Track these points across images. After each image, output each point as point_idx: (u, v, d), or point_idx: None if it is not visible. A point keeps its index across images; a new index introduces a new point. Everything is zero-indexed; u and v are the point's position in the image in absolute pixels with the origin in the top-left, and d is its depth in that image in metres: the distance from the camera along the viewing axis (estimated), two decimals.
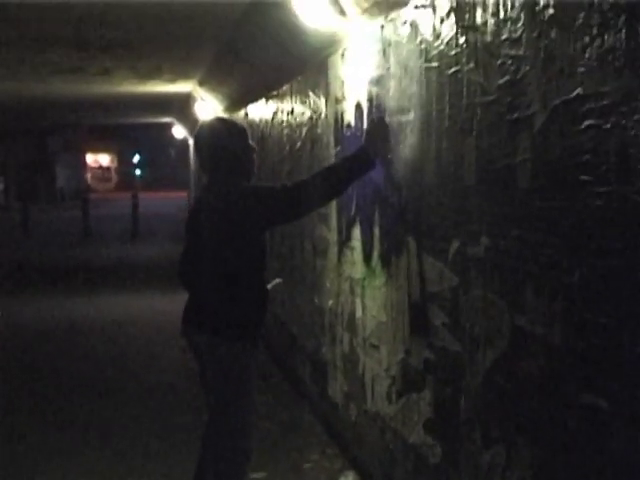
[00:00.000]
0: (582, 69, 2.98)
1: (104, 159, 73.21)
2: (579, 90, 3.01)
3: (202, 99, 15.79)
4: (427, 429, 4.71)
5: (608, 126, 2.83)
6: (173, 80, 15.06)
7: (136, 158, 70.59)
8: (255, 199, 4.90)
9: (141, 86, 15.97)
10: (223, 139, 5.07)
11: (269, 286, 5.18)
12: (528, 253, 3.43)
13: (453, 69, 4.21)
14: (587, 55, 2.94)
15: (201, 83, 14.82)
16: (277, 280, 5.42)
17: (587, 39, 2.94)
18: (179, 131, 28.27)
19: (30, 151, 47.75)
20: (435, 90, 4.48)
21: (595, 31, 2.88)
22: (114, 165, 74.04)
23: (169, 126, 31.29)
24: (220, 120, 5.55)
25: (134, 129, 54.55)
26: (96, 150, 69.87)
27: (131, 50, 11.25)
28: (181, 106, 19.92)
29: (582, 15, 2.96)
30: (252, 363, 4.93)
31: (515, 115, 3.52)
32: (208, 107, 15.60)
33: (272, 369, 9.54)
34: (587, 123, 2.96)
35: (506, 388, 3.67)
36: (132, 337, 11.55)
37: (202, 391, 5.12)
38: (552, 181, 3.22)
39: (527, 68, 3.41)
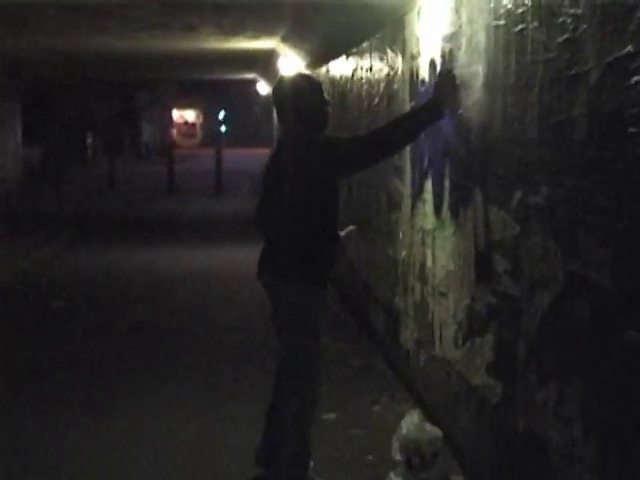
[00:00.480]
0: (632, 27, 3.18)
1: (190, 115, 73.91)
2: (629, 47, 3.20)
3: (285, 56, 16.03)
4: (489, 372, 4.96)
5: None
6: (257, 36, 15.32)
7: (221, 114, 71.23)
8: (329, 149, 5.16)
9: (226, 42, 16.25)
10: (300, 92, 5.34)
11: (342, 233, 5.44)
12: (582, 201, 3.64)
13: (519, 27, 4.41)
14: (637, 15, 3.13)
15: (284, 40, 15.06)
16: (351, 227, 5.68)
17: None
18: (263, 87, 28.57)
19: (116, 106, 48.46)
20: (502, 47, 4.68)
21: None
22: (199, 121, 74.66)
23: (254, 82, 31.59)
24: (297, 75, 5.81)
25: (219, 85, 54.84)
26: (182, 106, 70.58)
27: (215, 7, 11.52)
28: (265, 62, 20.18)
29: None
30: (320, 306, 5.23)
31: (573, 71, 3.72)
32: (291, 63, 15.84)
33: (347, 318, 9.84)
34: (636, 79, 3.16)
35: (560, 329, 3.90)
36: (214, 285, 11.98)
37: (275, 330, 5.41)
38: (604, 133, 3.43)
39: (585, 26, 3.60)
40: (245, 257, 13.12)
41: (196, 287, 11.96)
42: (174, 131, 69.76)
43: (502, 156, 4.71)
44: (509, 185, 4.57)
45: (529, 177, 4.29)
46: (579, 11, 3.65)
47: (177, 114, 72.12)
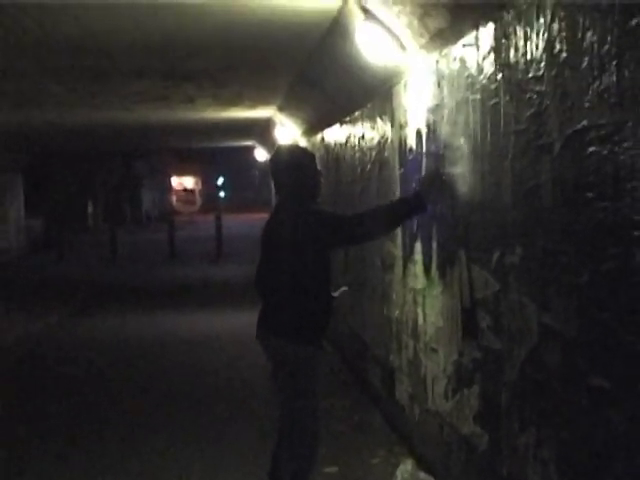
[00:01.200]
0: (587, 104, 3.57)
1: (189, 182, 74.46)
2: (585, 122, 3.59)
3: (282, 124, 16.50)
4: (476, 421, 5.29)
5: (605, 152, 3.41)
6: (253, 106, 15.80)
7: (220, 180, 71.77)
8: (320, 223, 5.56)
9: (223, 112, 16.73)
10: (295, 164, 5.75)
11: (335, 294, 5.81)
12: (550, 260, 4.01)
13: (493, 101, 4.81)
14: (590, 92, 3.53)
15: (280, 109, 15.54)
16: (343, 288, 6.05)
17: (590, 79, 3.52)
18: (261, 154, 29.05)
19: (116, 175, 49.04)
20: (479, 119, 5.08)
21: (595, 72, 3.47)
22: (198, 187, 75.22)
23: (251, 149, 32.08)
24: (293, 147, 6.24)
25: (218, 152, 55.47)
26: (181, 173, 71.14)
27: (214, 79, 11.99)
28: (262, 130, 20.67)
29: (586, 59, 3.54)
30: (317, 364, 5.58)
31: (539, 142, 4.11)
32: (287, 131, 16.30)
33: (347, 376, 10.16)
34: (591, 150, 3.54)
35: (536, 378, 4.25)
36: (215, 349, 12.28)
37: (275, 388, 5.74)
38: (566, 199, 3.81)
39: (548, 102, 4.00)
40: (246, 321, 13.41)
41: (198, 351, 12.28)
42: (174, 198, 70.34)
43: (482, 219, 5.08)
44: (489, 246, 4.94)
45: (506, 239, 4.66)
46: (543, 88, 4.05)
47: (176, 181, 72.67)
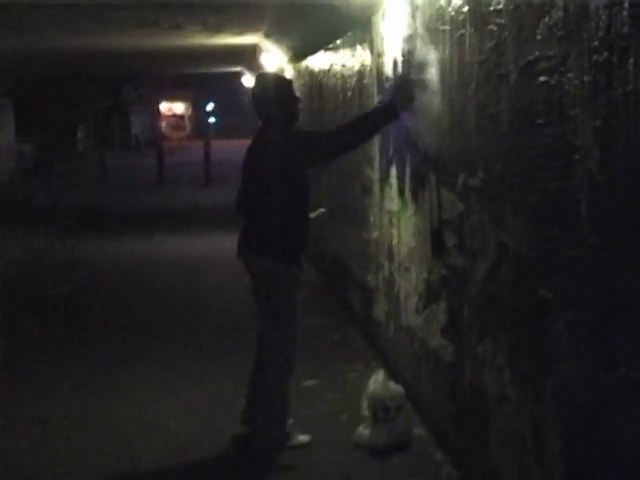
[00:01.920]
0: (539, 37, 3.85)
1: (178, 107, 74.27)
2: (537, 53, 3.88)
3: (268, 51, 16.68)
4: (443, 334, 5.64)
5: (553, 82, 3.70)
6: (241, 33, 15.96)
7: (210, 106, 71.59)
8: (300, 142, 5.87)
9: (211, 39, 16.88)
10: (274, 90, 6.04)
11: (313, 215, 6.15)
12: (506, 182, 4.33)
13: (460, 32, 5.08)
14: (541, 26, 3.81)
15: (267, 35, 15.70)
16: (321, 210, 6.39)
17: (542, 13, 3.80)
18: (249, 80, 29.17)
19: (106, 100, 49.05)
20: (448, 50, 5.35)
21: (546, 7, 3.75)
22: (188, 113, 75.06)
23: (240, 75, 32.16)
24: (271, 75, 6.55)
25: (208, 78, 55.30)
26: (171, 99, 70.93)
27: (201, 6, 12.18)
28: (249, 57, 20.81)
29: None
30: (295, 281, 5.91)
31: (499, 72, 4.40)
32: (274, 58, 16.49)
33: (330, 298, 10.53)
34: (541, 79, 3.84)
35: (492, 292, 4.59)
36: (202, 269, 12.66)
37: (255, 304, 6.10)
38: (520, 125, 4.12)
39: (506, 34, 4.28)
40: (231, 244, 13.72)
41: (185, 271, 12.66)
42: (163, 124, 70.23)
43: (450, 144, 5.38)
44: (455, 170, 5.25)
45: (470, 163, 4.97)
46: (502, 21, 4.33)
47: (166, 107, 72.48)
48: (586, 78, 3.38)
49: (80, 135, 44.67)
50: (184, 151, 46.80)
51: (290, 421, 6.06)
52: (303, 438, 6.02)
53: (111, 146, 46.56)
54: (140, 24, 14.18)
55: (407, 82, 6.23)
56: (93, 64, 25.93)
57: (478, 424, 4.93)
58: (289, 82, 6.35)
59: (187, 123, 75.04)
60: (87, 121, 45.94)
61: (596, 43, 3.27)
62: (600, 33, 3.24)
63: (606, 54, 3.19)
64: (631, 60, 3.02)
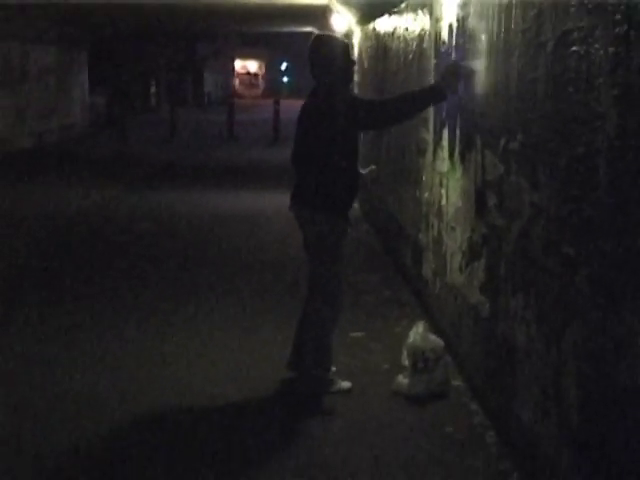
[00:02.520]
0: (572, 9, 4.07)
1: (252, 66, 74.63)
2: (570, 24, 4.10)
3: (338, 12, 16.89)
4: (482, 290, 5.90)
5: (582, 52, 3.93)
6: None
7: (283, 66, 71.86)
8: (351, 107, 6.14)
9: None
10: (330, 53, 6.30)
11: (363, 171, 6.44)
12: (541, 146, 4.56)
13: (507, 0, 5.29)
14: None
15: None
16: (371, 167, 6.69)
17: None
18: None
19: (180, 56, 49.53)
20: (496, 17, 5.57)
21: None
22: (262, 72, 75.40)
23: (311, 35, 32.37)
24: (329, 36, 6.76)
25: (282, 37, 55.54)
26: (245, 57, 71.31)
27: None
28: (320, 17, 21.04)
29: None
30: (342, 233, 6.21)
31: (538, 40, 4.62)
32: (343, 19, 16.70)
33: (384, 256, 10.81)
34: (573, 49, 4.06)
35: (524, 249, 4.84)
36: (263, 224, 13.04)
37: (305, 253, 6.41)
38: (554, 92, 4.34)
39: (545, 5, 4.50)
40: None
41: (247, 225, 13.12)
42: (236, 81, 70.64)
43: (494, 109, 5.61)
44: (498, 133, 5.48)
45: (510, 126, 5.19)
46: None
47: (240, 64, 72.85)
48: (610, 49, 3.60)
49: (153, 90, 45.20)
50: (256, 109, 47.20)
51: (333, 368, 6.38)
52: (345, 384, 6.32)
53: (184, 102, 47.08)
54: None
55: (457, 68, 6.48)
56: (169, 19, 26.34)
57: (507, 375, 5.19)
58: (346, 45, 6.59)
59: (260, 81, 75.39)
60: (161, 76, 46.46)
61: (618, 16, 3.49)
62: (621, 7, 3.45)
63: (626, 27, 3.41)
64: None
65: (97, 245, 11.66)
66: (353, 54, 6.62)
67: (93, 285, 9.36)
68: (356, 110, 6.16)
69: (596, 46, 3.76)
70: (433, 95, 6.45)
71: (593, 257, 3.82)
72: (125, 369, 6.79)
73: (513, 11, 5.15)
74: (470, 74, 6.20)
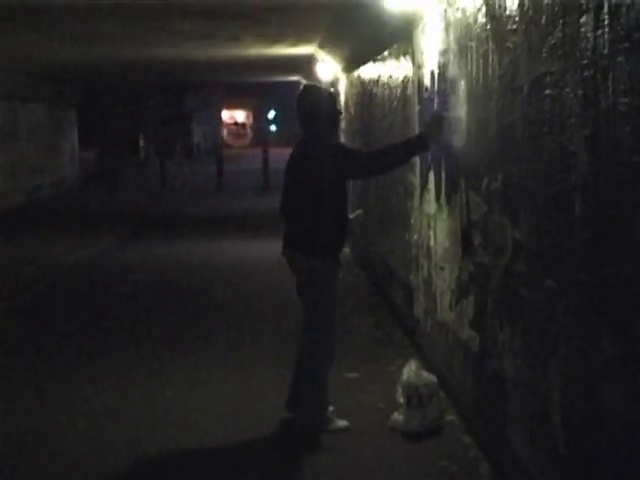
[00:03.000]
0: (544, 54, 4.31)
1: (240, 115, 75.01)
2: (543, 69, 4.34)
3: (322, 61, 17.20)
4: (471, 326, 6.10)
5: (555, 95, 4.16)
6: (295, 44, 16.55)
7: (271, 114, 72.24)
8: (342, 155, 6.40)
9: (267, 49, 17.50)
10: (317, 102, 6.54)
11: (351, 216, 6.66)
12: (520, 185, 4.79)
13: (484, 48, 5.55)
14: (546, 45, 4.27)
15: (321, 46, 16.25)
16: (358, 211, 6.94)
17: (546, 34, 4.26)
18: None
19: (167, 109, 49.89)
20: (475, 64, 5.82)
21: (550, 28, 4.21)
22: (249, 121, 75.74)
23: (298, 84, 32.75)
24: (316, 87, 7.03)
25: (269, 86, 55.95)
26: (232, 107, 71.68)
27: (256, 19, 12.75)
28: (306, 66, 21.36)
29: (544, 17, 4.29)
30: (334, 275, 6.43)
31: (514, 84, 4.86)
32: (328, 68, 17.01)
33: (375, 299, 11.02)
34: (546, 92, 4.29)
35: (509, 285, 5.05)
36: (258, 272, 13.22)
37: (298, 297, 6.62)
38: (530, 133, 4.58)
39: (520, 51, 4.74)
40: None
41: (240, 273, 13.31)
42: (224, 131, 70.99)
43: (476, 151, 5.85)
44: (480, 174, 5.71)
45: (492, 167, 5.43)
46: (516, 39, 4.80)
47: (227, 115, 73.23)
48: (579, 92, 3.83)
49: (142, 143, 45.53)
50: (245, 159, 47.49)
51: (330, 408, 6.56)
52: (342, 423, 6.50)
53: (172, 154, 47.37)
54: (199, 36, 14.80)
55: (440, 119, 6.78)
56: (156, 74, 26.68)
57: (498, 406, 5.38)
58: (332, 95, 6.86)
59: (249, 131, 75.73)
60: (149, 129, 46.79)
61: (585, 61, 3.72)
62: (588, 53, 3.69)
63: (592, 71, 3.65)
64: (610, 76, 3.48)
65: (92, 297, 11.82)
66: (339, 104, 6.83)
67: (89, 337, 9.52)
68: (344, 159, 6.40)
69: (567, 89, 4.00)
70: (417, 145, 6.76)
71: (571, 288, 4.03)
72: (127, 416, 6.95)
73: (490, 57, 5.40)
74: (452, 124, 6.46)
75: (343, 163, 6.38)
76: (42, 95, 27.36)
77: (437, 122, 6.76)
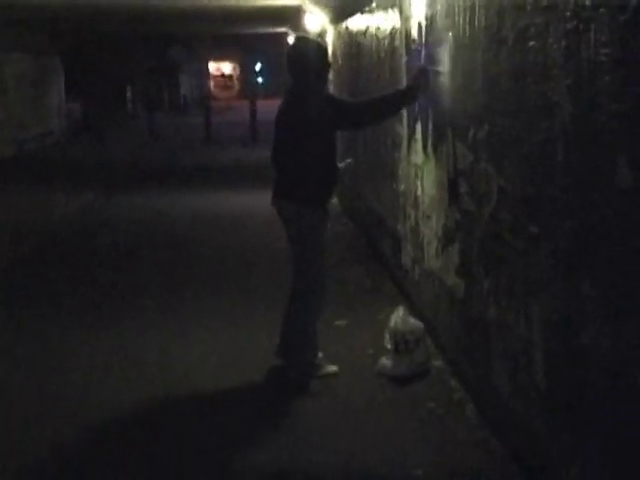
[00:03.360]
0: (529, 7, 4.42)
1: (226, 67, 74.66)
2: (527, 20, 4.45)
3: (311, 12, 17.22)
4: (457, 273, 6.24)
5: (538, 46, 4.28)
6: None
7: (258, 66, 71.92)
8: (329, 107, 6.48)
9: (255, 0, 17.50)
10: (308, 53, 6.63)
11: (341, 165, 6.77)
12: (505, 134, 4.91)
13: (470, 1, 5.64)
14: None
15: None
16: (348, 160, 7.04)
17: None
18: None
19: (154, 60, 49.69)
20: (462, 16, 5.91)
21: None
22: (236, 73, 75.40)
23: (285, 36, 32.67)
24: (308, 39, 7.14)
25: (255, 38, 55.61)
26: (218, 59, 71.29)
27: None
28: (294, 17, 21.36)
29: None
30: (321, 222, 6.56)
31: (499, 36, 4.97)
32: (316, 19, 17.03)
33: (365, 248, 11.17)
34: (531, 43, 4.41)
35: (494, 231, 5.19)
36: (244, 222, 13.37)
37: (288, 246, 6.76)
38: (516, 82, 4.70)
39: (505, 2, 4.85)
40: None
41: (227, 223, 13.53)
42: (211, 83, 70.68)
43: (463, 102, 5.96)
44: (467, 124, 5.83)
45: (478, 118, 5.54)
46: None
47: (214, 67, 72.87)
48: (562, 43, 3.95)
49: (129, 95, 45.37)
50: (232, 111, 47.40)
51: (320, 355, 6.72)
52: (331, 369, 6.67)
53: (160, 106, 47.24)
54: None
55: (425, 72, 6.92)
56: (141, 24, 26.62)
57: (482, 351, 5.55)
58: (324, 48, 6.94)
59: (235, 83, 75.39)
60: (136, 81, 46.62)
61: (568, 13, 3.84)
62: (571, 5, 3.80)
63: (575, 22, 3.76)
64: (592, 28, 3.59)
65: (84, 248, 11.96)
66: (329, 57, 6.92)
67: (84, 287, 9.67)
68: (334, 111, 6.49)
69: (550, 40, 4.11)
70: (406, 97, 6.92)
71: (554, 234, 4.17)
72: (122, 363, 7.11)
73: (477, 10, 5.50)
74: (439, 76, 6.57)
75: (333, 114, 6.47)
76: (27, 45, 27.24)
77: (423, 75, 6.87)
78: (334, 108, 6.53)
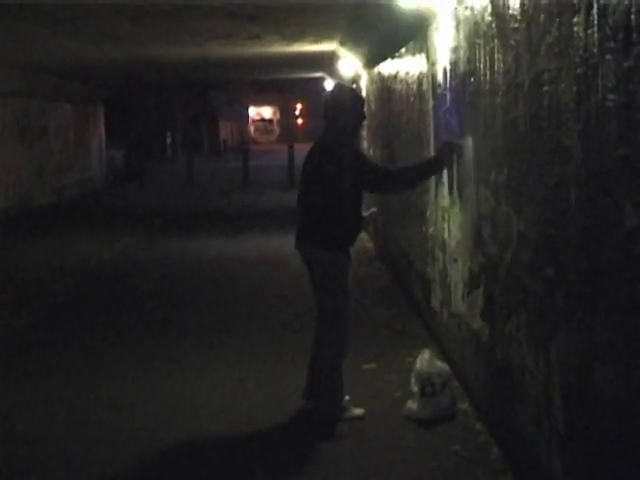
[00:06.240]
0: (542, 52, 4.48)
1: (266, 111, 75.25)
2: (541, 66, 4.51)
3: (344, 57, 17.37)
4: (482, 316, 6.27)
5: (551, 91, 4.33)
6: (317, 41, 16.72)
7: (297, 109, 72.38)
8: (356, 165, 6.56)
9: (289, 47, 17.66)
10: (344, 102, 6.71)
11: (365, 214, 6.84)
12: (523, 178, 4.95)
13: (490, 46, 5.71)
14: (544, 43, 4.44)
15: (342, 43, 16.41)
16: (372, 209, 7.11)
17: (544, 32, 4.43)
18: (330, 84, 29.89)
19: (194, 106, 50.21)
20: (482, 61, 5.98)
21: (547, 27, 4.38)
22: (276, 117, 75.97)
23: (322, 80, 32.89)
24: (347, 87, 7.24)
25: (296, 82, 56.09)
26: (258, 103, 71.92)
27: (276, 19, 12.95)
28: (328, 63, 21.53)
29: (542, 15, 4.45)
30: (346, 269, 6.61)
31: (517, 80, 5.03)
32: (350, 64, 17.17)
33: (396, 291, 11.20)
34: (545, 88, 4.46)
35: (515, 274, 5.21)
36: (281, 266, 13.42)
37: (311, 290, 6.83)
38: (531, 127, 4.74)
39: (521, 49, 4.91)
40: None
41: (264, 266, 13.67)
42: (251, 128, 71.24)
43: (485, 145, 6.01)
44: (488, 168, 5.88)
45: (498, 161, 5.59)
46: (519, 38, 4.96)
47: (254, 111, 73.47)
48: (573, 88, 4.00)
49: (169, 141, 45.84)
50: (272, 155, 47.70)
51: (346, 397, 6.74)
52: (358, 411, 6.69)
53: (200, 151, 47.67)
54: (220, 35, 15.00)
55: (451, 146, 7.04)
56: (181, 72, 26.92)
57: (506, 394, 5.55)
58: (361, 99, 7.04)
59: (275, 127, 75.95)
60: (176, 126, 47.11)
61: (578, 59, 3.89)
62: (580, 51, 3.86)
63: (584, 68, 3.82)
64: (600, 74, 3.64)
65: (120, 292, 12.09)
66: (364, 108, 7.00)
67: (121, 331, 9.77)
68: (361, 171, 6.55)
69: (562, 86, 4.16)
70: (432, 168, 7.13)
71: (569, 276, 4.20)
72: (148, 405, 7.18)
73: (495, 54, 5.57)
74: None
75: (360, 175, 6.54)
76: (70, 94, 27.63)
77: (448, 149, 7.02)
78: (362, 169, 6.58)
